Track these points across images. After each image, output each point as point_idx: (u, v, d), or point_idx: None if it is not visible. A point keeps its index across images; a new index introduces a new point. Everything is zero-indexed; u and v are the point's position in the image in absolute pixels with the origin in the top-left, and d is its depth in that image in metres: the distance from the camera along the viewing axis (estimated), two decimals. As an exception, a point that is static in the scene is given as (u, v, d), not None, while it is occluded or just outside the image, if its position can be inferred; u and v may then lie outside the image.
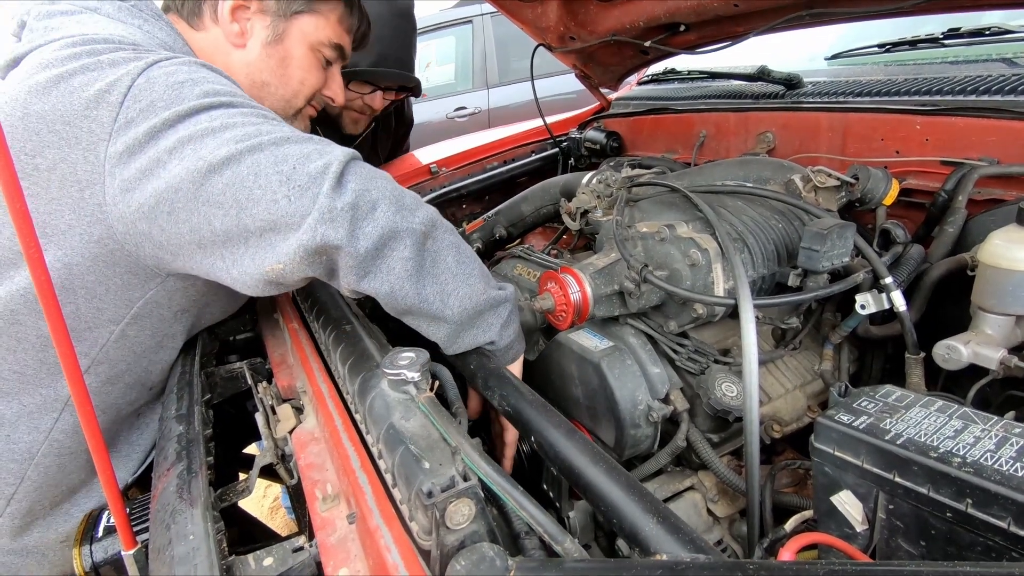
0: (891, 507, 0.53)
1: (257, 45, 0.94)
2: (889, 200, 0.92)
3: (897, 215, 0.99)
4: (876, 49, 1.23)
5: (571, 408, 0.90)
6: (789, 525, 0.63)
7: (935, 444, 0.51)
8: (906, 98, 1.03)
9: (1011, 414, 0.58)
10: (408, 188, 1.61)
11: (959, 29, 1.12)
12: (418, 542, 0.51)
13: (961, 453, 0.49)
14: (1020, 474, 0.46)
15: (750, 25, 1.27)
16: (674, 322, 0.81)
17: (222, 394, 0.98)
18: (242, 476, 0.97)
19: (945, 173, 0.94)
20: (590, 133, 1.71)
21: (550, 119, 1.83)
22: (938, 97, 1.00)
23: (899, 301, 0.74)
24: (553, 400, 0.76)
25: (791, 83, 1.25)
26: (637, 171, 1.10)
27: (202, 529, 0.57)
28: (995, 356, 0.65)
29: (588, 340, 0.86)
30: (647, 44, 1.48)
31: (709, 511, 0.83)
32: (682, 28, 1.43)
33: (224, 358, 1.10)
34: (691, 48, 1.48)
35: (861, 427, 0.55)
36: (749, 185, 0.92)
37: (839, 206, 0.95)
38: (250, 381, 0.92)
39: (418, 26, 1.76)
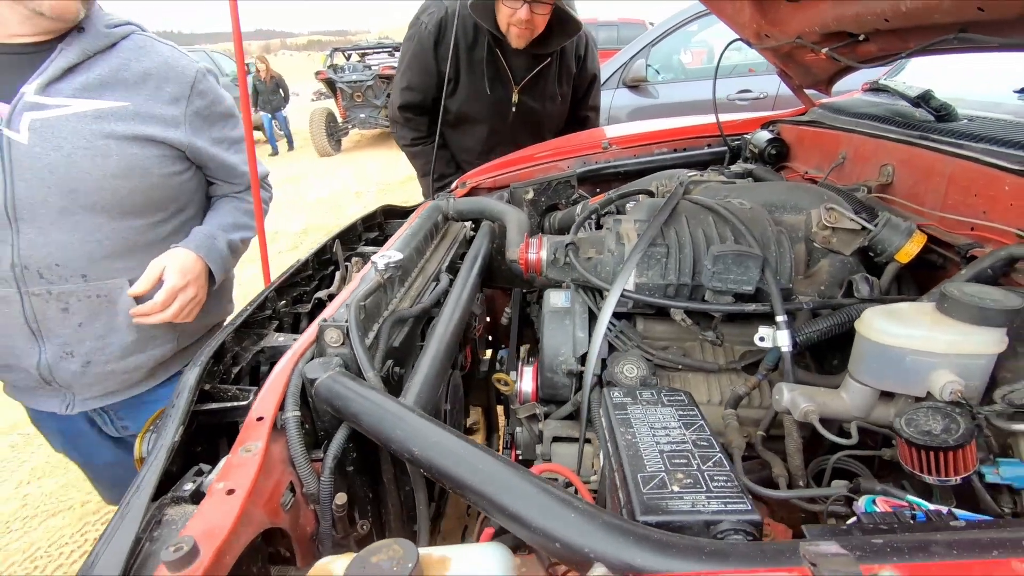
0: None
1: None
2: (903, 257, 0.84)
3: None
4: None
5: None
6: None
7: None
8: (1015, 151, 0.86)
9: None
10: (573, 158, 1.89)
11: None
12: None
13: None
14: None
15: (906, 44, 1.12)
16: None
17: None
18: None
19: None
20: (757, 134, 1.67)
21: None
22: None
23: (783, 340, 0.74)
24: (535, 338, 0.99)
25: (940, 114, 1.09)
26: (693, 174, 1.17)
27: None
28: (802, 406, 0.65)
29: (556, 297, 1.05)
30: (824, 51, 1.39)
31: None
32: (861, 38, 1.29)
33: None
34: (870, 60, 1.33)
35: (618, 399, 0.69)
36: (735, 203, 0.94)
37: (852, 250, 0.90)
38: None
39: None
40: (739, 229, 0.83)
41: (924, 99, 1.13)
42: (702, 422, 0.64)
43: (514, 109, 2.12)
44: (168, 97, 1.16)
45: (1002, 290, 0.62)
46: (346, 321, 0.80)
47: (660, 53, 4.86)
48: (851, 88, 1.87)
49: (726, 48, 1.75)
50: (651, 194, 1.16)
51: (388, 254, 0.95)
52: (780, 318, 0.76)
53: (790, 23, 1.49)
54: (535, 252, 1.00)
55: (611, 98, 4.66)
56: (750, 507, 0.50)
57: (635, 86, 4.62)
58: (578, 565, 0.46)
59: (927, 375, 0.61)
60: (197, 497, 0.65)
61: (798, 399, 0.67)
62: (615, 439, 0.63)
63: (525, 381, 1.05)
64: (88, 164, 1.06)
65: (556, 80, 2.13)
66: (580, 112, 2.34)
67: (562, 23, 1.95)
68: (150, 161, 1.13)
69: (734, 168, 1.38)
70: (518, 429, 1.11)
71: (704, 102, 4.43)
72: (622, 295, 0.85)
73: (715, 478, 0.54)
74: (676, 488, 0.53)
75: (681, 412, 0.66)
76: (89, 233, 1.10)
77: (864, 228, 0.87)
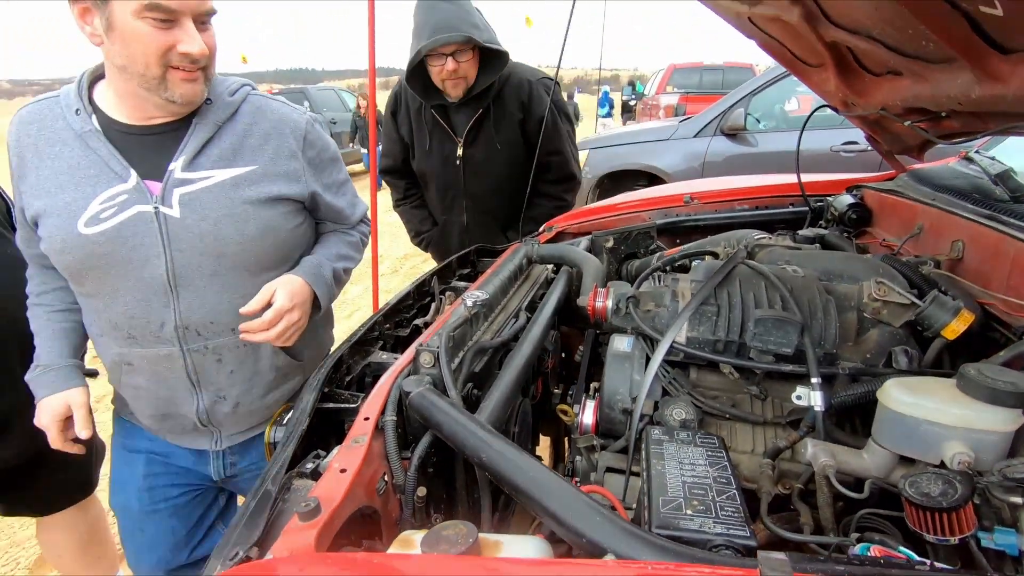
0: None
1: (105, 38, 1.02)
2: (950, 334, 0.89)
3: None
4: None
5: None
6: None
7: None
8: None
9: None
10: (655, 210, 2.01)
11: None
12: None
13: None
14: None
15: (986, 124, 1.15)
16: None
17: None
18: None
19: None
20: (840, 198, 1.71)
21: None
22: None
23: (816, 400, 0.82)
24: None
25: (1016, 195, 1.11)
26: (763, 237, 1.26)
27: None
28: (821, 460, 0.73)
29: (620, 342, 1.18)
30: (906, 123, 1.42)
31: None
32: (943, 115, 1.33)
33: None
34: (952, 136, 1.35)
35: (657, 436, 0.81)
36: (790, 271, 1.03)
37: (901, 322, 0.95)
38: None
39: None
40: (785, 296, 0.92)
41: (1002, 178, 1.15)
42: (726, 463, 0.74)
43: (459, 163, 2.21)
44: (288, 153, 1.24)
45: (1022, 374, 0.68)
46: (437, 347, 0.98)
47: (763, 101, 4.84)
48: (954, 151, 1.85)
49: (813, 112, 1.81)
50: (715, 255, 1.26)
51: (476, 293, 1.13)
52: (814, 380, 0.84)
53: (874, 95, 1.53)
54: (602, 300, 1.13)
55: (707, 145, 4.69)
56: (749, 534, 0.60)
57: (733, 134, 4.63)
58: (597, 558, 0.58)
59: (939, 444, 0.68)
60: (315, 475, 0.84)
61: (819, 454, 0.75)
62: (648, 468, 0.75)
63: (587, 414, 1.18)
64: (231, 230, 1.16)
65: (495, 128, 2.16)
66: (542, 158, 2.19)
67: (489, 61, 2.05)
68: (280, 219, 1.24)
69: (804, 232, 1.45)
70: (578, 458, 1.23)
71: (806, 153, 4.34)
72: (673, 346, 0.97)
73: (725, 508, 0.65)
74: (689, 512, 0.64)
75: (710, 453, 0.77)
76: (235, 290, 1.20)
77: (913, 303, 0.93)
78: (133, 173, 1.11)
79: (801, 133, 1.78)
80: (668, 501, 0.66)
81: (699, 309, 0.97)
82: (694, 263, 1.19)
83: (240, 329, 1.19)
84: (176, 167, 1.13)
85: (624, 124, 13.94)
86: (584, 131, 12.47)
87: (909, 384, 0.72)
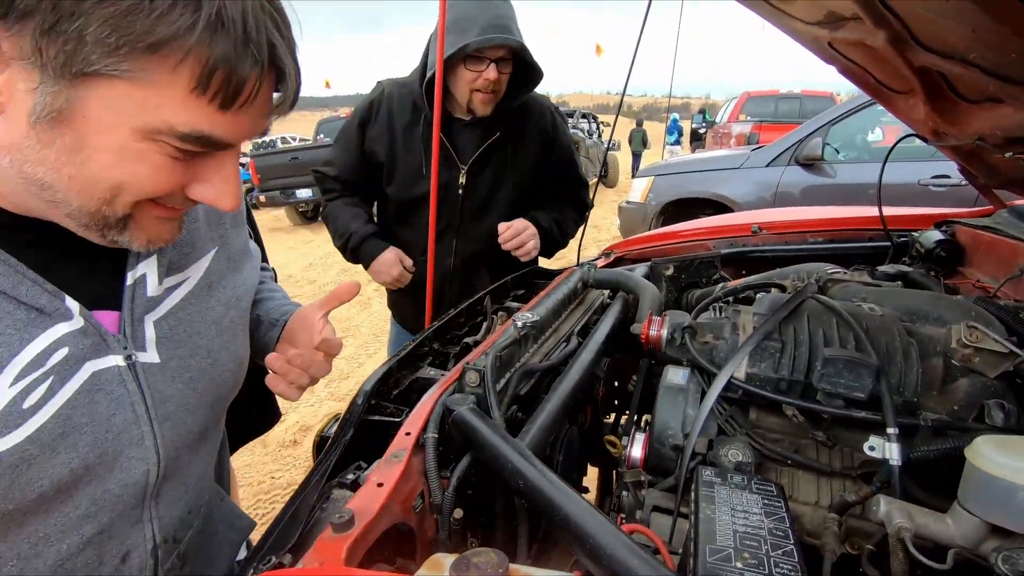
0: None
1: (21, 118, 0.51)
2: (1055, 390, 0.78)
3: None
4: None
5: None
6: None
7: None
8: None
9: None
10: (720, 240, 1.94)
11: None
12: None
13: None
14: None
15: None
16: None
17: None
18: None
19: None
20: (927, 233, 1.58)
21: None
22: None
23: (893, 452, 0.74)
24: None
25: None
26: (836, 272, 1.18)
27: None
28: (896, 522, 0.65)
29: (674, 374, 1.13)
30: (1006, 155, 1.30)
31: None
32: (1051, 144, 1.20)
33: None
34: (1062, 168, 1.22)
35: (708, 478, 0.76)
36: (866, 308, 0.94)
37: (997, 373, 0.85)
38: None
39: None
40: (860, 335, 0.85)
41: (1124, 218, 1.02)
42: (784, 514, 0.68)
43: (460, 192, 1.81)
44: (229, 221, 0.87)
45: None
46: (484, 367, 0.97)
47: (843, 131, 4.61)
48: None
49: (899, 140, 1.70)
50: (782, 288, 1.19)
51: (526, 315, 1.11)
52: (891, 430, 0.76)
53: (969, 124, 1.42)
54: (656, 329, 1.09)
55: (780, 175, 4.51)
56: (806, 597, 0.54)
57: (809, 164, 4.43)
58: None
59: (1040, 516, 0.59)
60: (354, 486, 0.84)
61: (895, 513, 0.67)
62: (697, 512, 0.70)
63: (636, 448, 1.12)
64: (226, 357, 0.81)
65: (512, 161, 1.83)
66: (568, 191, 2.03)
67: (523, 75, 1.72)
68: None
69: (884, 269, 1.34)
70: (624, 493, 1.17)
71: (891, 186, 4.08)
72: (731, 382, 0.91)
73: (780, 565, 0.59)
74: (740, 564, 0.59)
75: (766, 501, 0.71)
76: (213, 441, 0.86)
77: (1012, 352, 0.83)
78: (69, 301, 0.61)
79: (885, 161, 1.67)
80: (716, 550, 0.61)
81: (761, 344, 0.91)
82: (759, 295, 1.12)
83: (269, 380, 0.89)
84: (140, 275, 0.69)
85: (693, 152, 13.68)
86: (651, 159, 12.32)
87: (1005, 443, 0.63)
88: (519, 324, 1.06)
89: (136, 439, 0.67)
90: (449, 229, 1.85)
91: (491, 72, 1.61)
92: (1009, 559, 0.56)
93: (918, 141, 1.65)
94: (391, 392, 1.12)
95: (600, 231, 8.50)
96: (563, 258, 2.87)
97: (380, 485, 0.78)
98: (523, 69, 1.71)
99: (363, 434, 1.00)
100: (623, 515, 1.15)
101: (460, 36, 1.56)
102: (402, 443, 0.88)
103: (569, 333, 1.29)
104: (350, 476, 0.87)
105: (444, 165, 1.76)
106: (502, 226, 1.79)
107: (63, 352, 0.60)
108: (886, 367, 0.85)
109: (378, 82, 1.86)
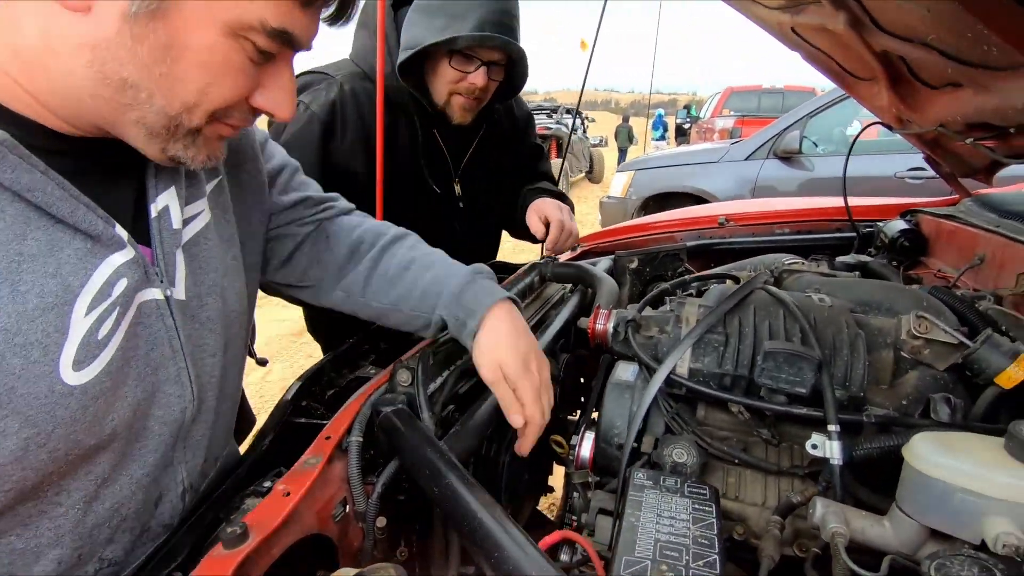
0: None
1: (112, 16, 0.50)
2: (1006, 382, 0.74)
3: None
4: None
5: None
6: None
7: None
8: None
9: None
10: (688, 232, 1.89)
11: None
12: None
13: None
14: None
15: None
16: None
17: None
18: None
19: None
20: (891, 223, 1.54)
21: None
22: None
23: (834, 451, 0.70)
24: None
25: (1098, 223, 0.94)
26: (794, 262, 1.13)
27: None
28: (830, 527, 0.60)
29: (623, 370, 1.08)
30: (967, 141, 1.27)
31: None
32: (1012, 130, 1.17)
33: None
34: (1021, 156, 1.19)
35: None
36: (816, 299, 0.90)
37: (946, 365, 0.81)
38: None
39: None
40: (805, 327, 0.80)
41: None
42: (713, 520, 0.63)
43: (461, 205, 1.58)
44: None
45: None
46: (416, 364, 0.91)
47: (821, 124, 4.60)
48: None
49: (863, 130, 1.66)
50: (737, 280, 1.14)
51: (469, 310, 1.05)
52: (832, 427, 0.71)
53: (930, 110, 1.38)
54: (603, 323, 1.04)
55: (759, 169, 4.50)
56: (721, 614, 0.50)
57: (787, 158, 4.42)
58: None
59: (979, 520, 0.55)
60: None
61: (829, 518, 0.63)
62: (621, 520, 0.65)
63: (584, 447, 1.07)
64: (232, 298, 0.78)
65: (498, 155, 1.63)
66: (531, 157, 1.81)
67: (513, 79, 1.48)
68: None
69: (843, 259, 1.30)
70: (575, 495, 1.12)
71: (868, 179, 4.07)
72: (673, 378, 0.86)
73: (698, 577, 0.54)
74: (655, 578, 0.54)
75: (697, 506, 0.66)
76: (232, 399, 0.86)
77: (961, 343, 0.79)
78: (119, 229, 0.59)
79: (849, 151, 1.63)
80: (632, 563, 0.56)
81: (704, 338, 0.86)
82: (711, 286, 1.08)
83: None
84: (163, 207, 0.66)
85: (677, 147, 13.71)
86: (636, 154, 12.30)
87: (945, 441, 0.59)
88: (458, 320, 1.00)
89: (173, 375, 0.67)
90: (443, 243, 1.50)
91: (479, 77, 1.32)
92: (942, 567, 0.52)
93: (895, 135, 1.62)
94: (325, 392, 1.06)
95: (584, 227, 8.44)
96: (530, 250, 2.80)
97: (287, 494, 0.72)
98: (512, 74, 1.46)
99: (288, 439, 0.94)
100: (575, 516, 1.10)
101: (451, 23, 1.24)
102: (319, 448, 0.82)
103: (520, 329, 1.23)
104: (267, 484, 0.81)
105: (436, 174, 1.51)
106: (536, 228, 1.55)
107: (124, 283, 0.59)
108: (831, 360, 0.80)
109: (325, 76, 1.40)
